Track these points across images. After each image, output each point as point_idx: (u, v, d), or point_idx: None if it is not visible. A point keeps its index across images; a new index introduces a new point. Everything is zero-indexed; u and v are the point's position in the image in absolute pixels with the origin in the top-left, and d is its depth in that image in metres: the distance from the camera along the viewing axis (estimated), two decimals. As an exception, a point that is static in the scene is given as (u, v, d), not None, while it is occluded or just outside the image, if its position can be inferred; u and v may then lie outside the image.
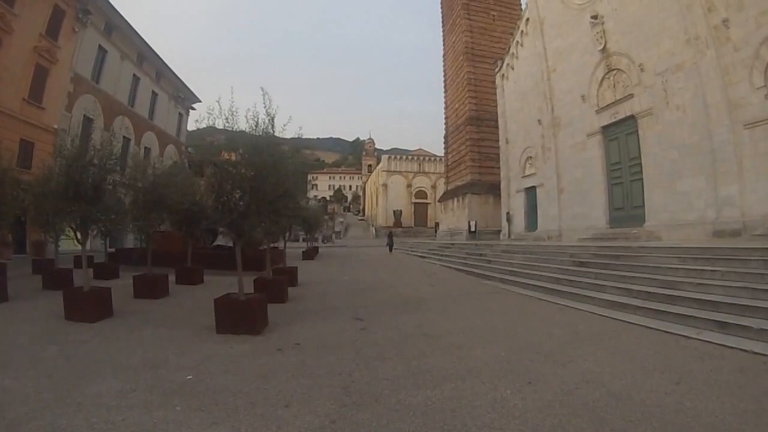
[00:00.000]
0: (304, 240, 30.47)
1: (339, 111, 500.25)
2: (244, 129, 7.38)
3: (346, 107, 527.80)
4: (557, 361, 4.99)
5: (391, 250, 34.07)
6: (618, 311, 7.45)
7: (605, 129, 17.64)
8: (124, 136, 28.04)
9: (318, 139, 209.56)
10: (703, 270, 7.71)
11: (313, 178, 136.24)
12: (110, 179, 8.78)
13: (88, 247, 8.58)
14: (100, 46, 26.35)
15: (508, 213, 26.28)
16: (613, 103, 17.03)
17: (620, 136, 16.94)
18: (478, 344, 5.85)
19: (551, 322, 7.14)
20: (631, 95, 16.00)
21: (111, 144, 8.85)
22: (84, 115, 23.91)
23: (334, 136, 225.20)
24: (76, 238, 8.60)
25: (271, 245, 24.13)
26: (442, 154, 50.69)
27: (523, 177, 24.82)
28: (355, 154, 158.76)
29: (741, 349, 5.08)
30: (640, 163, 15.66)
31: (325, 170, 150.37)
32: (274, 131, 7.76)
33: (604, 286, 8.74)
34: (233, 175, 7.05)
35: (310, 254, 25.89)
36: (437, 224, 54.31)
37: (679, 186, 13.91)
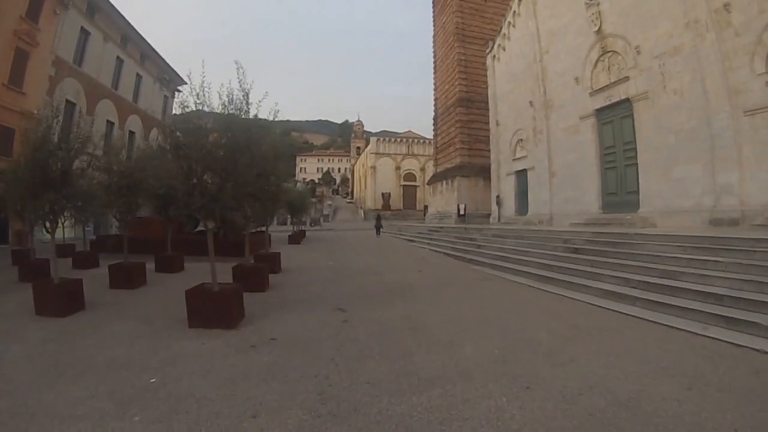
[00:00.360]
0: (292, 224, 29.80)
1: (328, 93, 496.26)
2: (216, 107, 6.99)
3: (336, 90, 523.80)
4: (557, 361, 4.58)
5: (378, 233, 33.19)
6: (616, 302, 7.09)
7: (599, 112, 17.20)
8: (108, 120, 27.17)
9: (307, 121, 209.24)
10: (705, 260, 7.32)
11: (301, 160, 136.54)
12: (81, 164, 8.21)
13: (71, 235, 8.15)
14: (82, 28, 25.16)
15: (498, 196, 25.92)
16: (607, 85, 16.55)
17: (615, 120, 16.52)
18: (468, 340, 5.43)
19: (547, 314, 6.79)
20: (627, 78, 15.53)
21: (79, 127, 8.32)
22: (66, 99, 22.64)
23: (323, 119, 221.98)
24: (45, 227, 8.10)
25: (256, 230, 23.85)
26: (432, 137, 50.10)
27: (513, 160, 24.40)
28: (344, 137, 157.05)
29: (752, 349, 4.71)
30: (635, 148, 15.27)
31: (313, 152, 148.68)
32: (249, 108, 7.36)
33: (600, 275, 8.37)
34: (203, 156, 6.54)
35: (296, 238, 25.32)
36: (426, 207, 54.01)
37: (675, 172, 13.54)
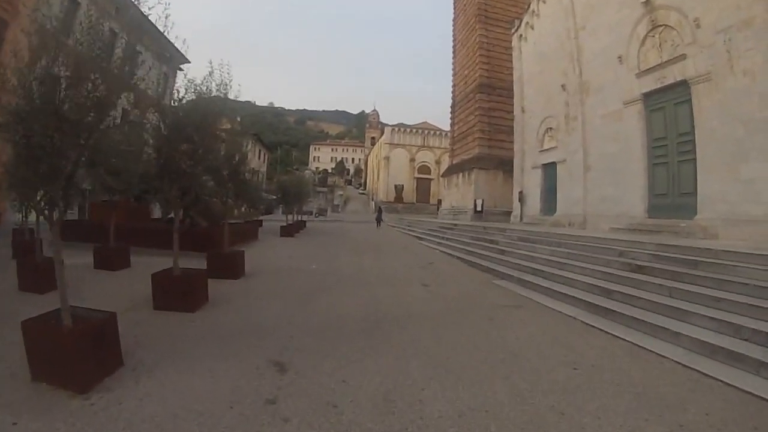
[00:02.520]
0: (287, 213, 27.70)
1: (346, 84, 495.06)
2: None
3: (353, 80, 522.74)
4: None
5: (378, 224, 34.24)
6: (732, 366, 4.61)
7: (647, 96, 14.69)
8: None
9: (324, 111, 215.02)
10: None
11: (315, 149, 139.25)
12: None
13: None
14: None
15: (520, 192, 23.48)
16: (659, 65, 14.03)
17: (667, 106, 14.03)
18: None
19: (630, 394, 4.08)
20: (683, 56, 13.03)
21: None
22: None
23: (339, 109, 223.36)
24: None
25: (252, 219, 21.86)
26: (448, 129, 48.13)
27: (540, 151, 21.90)
28: (359, 127, 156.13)
29: None
30: (693, 140, 12.77)
31: (327, 141, 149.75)
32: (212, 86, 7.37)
33: (687, 313, 5.86)
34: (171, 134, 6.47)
35: (289, 230, 23.25)
36: (440, 201, 52.00)
37: (743, 171, 11.06)
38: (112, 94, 4.41)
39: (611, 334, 5.98)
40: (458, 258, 14.37)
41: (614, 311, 6.65)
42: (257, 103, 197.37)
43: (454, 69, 42.27)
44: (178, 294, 6.57)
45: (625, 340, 5.70)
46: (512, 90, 26.68)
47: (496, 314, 7.26)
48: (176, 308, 6.35)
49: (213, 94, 7.33)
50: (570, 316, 6.99)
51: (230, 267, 9.82)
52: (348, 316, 6.96)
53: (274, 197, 29.13)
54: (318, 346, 5.38)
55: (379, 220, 35.79)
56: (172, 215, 16.33)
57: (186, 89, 7.08)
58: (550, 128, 20.96)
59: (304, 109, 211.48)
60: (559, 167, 19.99)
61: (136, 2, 5.67)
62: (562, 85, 19.50)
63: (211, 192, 10.90)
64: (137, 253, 12.17)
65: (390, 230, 31.15)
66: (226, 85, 7.52)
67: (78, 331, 4.06)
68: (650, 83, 14.47)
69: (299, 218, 29.70)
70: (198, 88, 7.14)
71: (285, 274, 11.06)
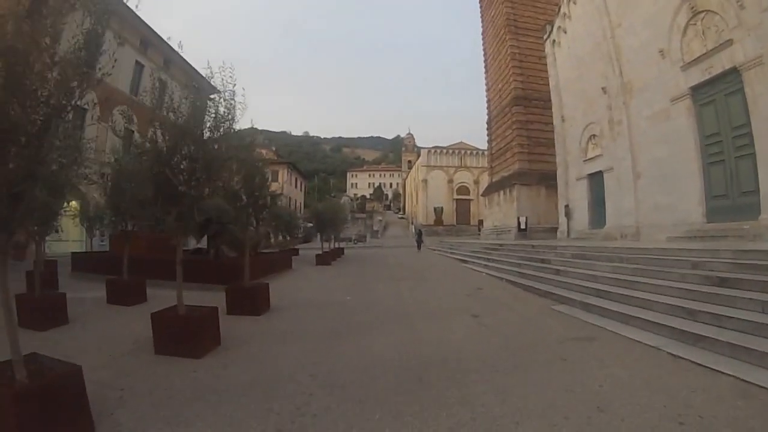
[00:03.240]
0: (325, 240, 27.38)
1: (379, 109, 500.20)
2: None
3: (386, 105, 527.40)
4: None
5: (419, 247, 34.64)
6: None
7: (696, 90, 13.59)
8: (125, 127, 25.99)
9: (359, 138, 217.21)
10: None
11: (352, 175, 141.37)
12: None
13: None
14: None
15: (566, 206, 22.33)
16: (704, 54, 12.97)
17: (718, 98, 12.89)
18: None
19: None
20: (730, 42, 11.96)
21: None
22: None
23: (374, 135, 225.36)
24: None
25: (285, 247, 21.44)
26: (484, 148, 47.44)
27: (585, 161, 20.79)
28: (395, 152, 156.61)
29: None
30: (749, 133, 11.58)
31: (364, 167, 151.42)
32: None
33: None
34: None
35: (325, 258, 22.71)
36: (481, 222, 51.05)
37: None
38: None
39: (708, 368, 4.80)
40: (508, 281, 13.31)
41: (705, 337, 5.46)
42: (293, 133, 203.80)
43: (487, 84, 41.72)
44: (182, 336, 5.92)
45: (727, 374, 4.54)
46: (549, 101, 25.95)
47: (566, 352, 5.87)
48: (180, 353, 5.68)
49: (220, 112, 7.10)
50: (653, 347, 5.72)
51: (252, 302, 9.00)
52: (384, 363, 5.63)
53: (311, 225, 28.87)
54: (342, 410, 4.11)
55: (419, 243, 36.15)
56: (199, 245, 16.18)
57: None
58: (594, 135, 19.89)
59: (340, 137, 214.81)
60: (606, 176, 18.83)
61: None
62: (603, 88, 18.52)
63: (228, 218, 10.52)
64: (160, 286, 11.91)
65: (431, 254, 30.35)
66: (232, 107, 7.26)
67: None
68: (697, 75, 13.41)
69: (336, 245, 29.32)
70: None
71: (315, 309, 10.00)
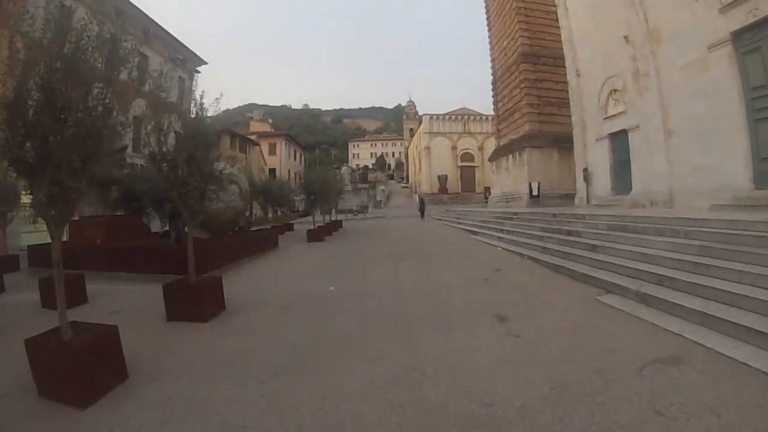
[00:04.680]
0: (323, 212, 25.99)
1: (379, 79, 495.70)
2: None
3: (386, 75, 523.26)
4: None
5: (423, 216, 36.34)
6: None
7: (737, 36, 11.89)
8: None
9: (359, 108, 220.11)
10: None
11: (354, 146, 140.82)
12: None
13: None
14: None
15: (585, 170, 20.76)
16: (748, -6, 11.36)
17: (764, 44, 11.25)
18: None
19: None
20: (782, -23, 10.42)
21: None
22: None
23: (375, 105, 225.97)
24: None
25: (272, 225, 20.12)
26: (488, 113, 45.61)
27: (605, 119, 19.07)
28: (396, 121, 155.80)
29: None
30: (804, 81, 10.10)
31: (366, 137, 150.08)
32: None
33: None
34: None
35: (317, 234, 21.04)
36: (487, 189, 49.88)
37: None
38: None
39: None
40: (532, 259, 11.59)
41: None
42: (293, 107, 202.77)
43: (490, 42, 39.55)
44: (67, 377, 4.27)
45: None
46: (558, 58, 24.30)
47: (654, 393, 3.89)
48: (66, 400, 4.21)
49: None
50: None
51: (197, 304, 7.09)
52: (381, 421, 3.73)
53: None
54: None
55: (422, 211, 37.64)
56: (168, 228, 14.84)
57: None
58: (615, 90, 18.18)
59: (341, 108, 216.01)
60: (631, 135, 17.21)
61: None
62: (625, 37, 16.74)
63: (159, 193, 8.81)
64: (117, 279, 10.89)
65: (436, 224, 29.14)
66: None
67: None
68: (739, 19, 11.70)
69: (333, 218, 28.16)
70: None
71: (283, 308, 7.80)
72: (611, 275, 8.16)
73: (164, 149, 7.02)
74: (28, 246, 13.66)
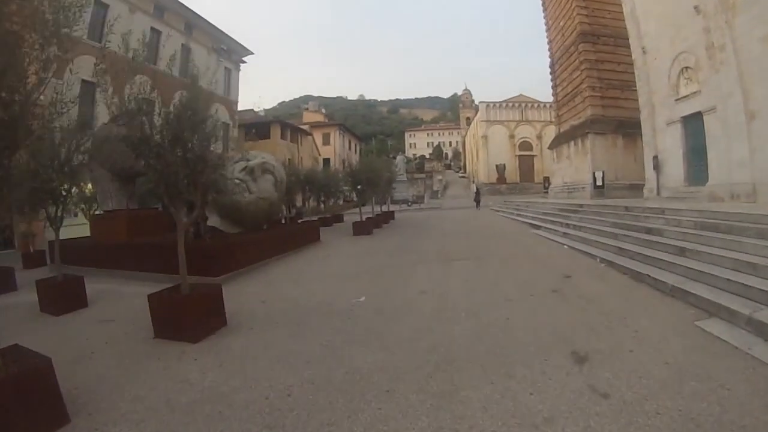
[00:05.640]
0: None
1: (434, 69, 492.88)
2: None
3: (441, 64, 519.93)
4: None
5: (478, 206, 37.72)
6: None
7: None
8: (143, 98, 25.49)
9: (416, 98, 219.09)
10: None
11: (410, 135, 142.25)
12: None
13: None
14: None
15: (655, 157, 19.02)
16: None
17: None
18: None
19: None
20: None
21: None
22: (82, 80, 18.51)
23: (431, 95, 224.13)
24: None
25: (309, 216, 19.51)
26: (546, 101, 44.96)
27: (676, 100, 17.33)
28: (453, 110, 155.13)
29: None
30: None
31: (422, 127, 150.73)
32: None
33: None
34: None
35: (365, 227, 20.13)
36: (546, 179, 48.08)
37: None
38: None
39: None
40: (605, 262, 9.92)
41: None
42: (348, 98, 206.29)
43: (546, 23, 37.64)
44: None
45: None
46: (619, 37, 23.07)
47: None
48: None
49: None
50: None
51: (191, 320, 6.11)
52: None
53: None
54: None
55: (477, 201, 39.43)
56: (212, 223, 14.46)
57: None
58: (687, 68, 16.43)
59: (396, 99, 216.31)
60: (706, 118, 15.46)
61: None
62: (695, 7, 15.02)
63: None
64: (135, 279, 10.59)
65: (493, 215, 27.96)
66: None
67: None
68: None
69: (386, 209, 27.85)
70: None
71: (294, 328, 6.46)
72: (711, 291, 6.38)
73: (147, 132, 6.02)
74: (49, 242, 13.44)
